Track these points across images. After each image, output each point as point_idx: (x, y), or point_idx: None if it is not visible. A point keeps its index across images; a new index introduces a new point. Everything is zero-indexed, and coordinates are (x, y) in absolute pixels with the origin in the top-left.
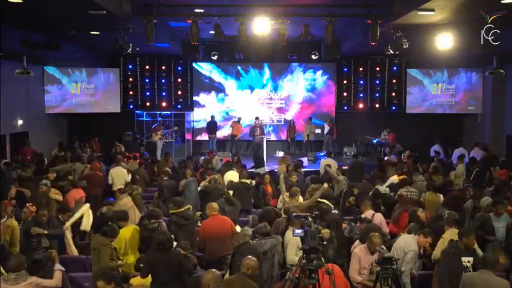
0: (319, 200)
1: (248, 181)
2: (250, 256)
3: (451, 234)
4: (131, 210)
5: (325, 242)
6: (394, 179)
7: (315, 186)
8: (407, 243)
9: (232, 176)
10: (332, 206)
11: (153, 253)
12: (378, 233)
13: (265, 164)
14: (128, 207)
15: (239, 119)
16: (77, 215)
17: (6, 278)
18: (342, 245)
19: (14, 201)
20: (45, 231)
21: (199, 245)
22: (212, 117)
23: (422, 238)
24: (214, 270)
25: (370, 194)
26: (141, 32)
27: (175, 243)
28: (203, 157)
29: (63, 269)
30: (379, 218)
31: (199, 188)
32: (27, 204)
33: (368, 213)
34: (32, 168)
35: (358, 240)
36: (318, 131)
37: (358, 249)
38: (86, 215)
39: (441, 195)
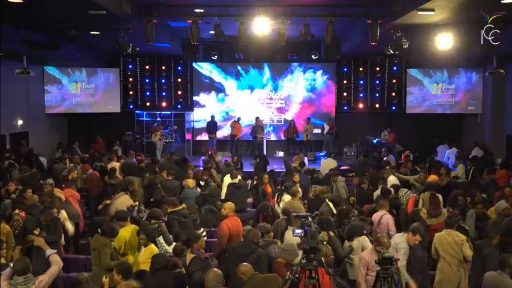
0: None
1: (237, 180)
2: (245, 264)
3: (445, 233)
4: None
5: (325, 242)
6: (392, 179)
7: (322, 189)
8: (397, 242)
9: (229, 179)
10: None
11: (151, 275)
12: (363, 230)
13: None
14: (124, 206)
15: (238, 118)
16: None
17: (15, 283)
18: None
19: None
20: (41, 240)
21: (222, 243)
22: (212, 117)
23: (411, 236)
24: (216, 269)
25: (380, 192)
26: (141, 32)
27: (174, 244)
28: (203, 157)
29: (55, 250)
30: (386, 219)
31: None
32: (15, 211)
33: (378, 214)
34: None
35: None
36: (318, 131)
37: (366, 253)
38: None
39: (440, 196)
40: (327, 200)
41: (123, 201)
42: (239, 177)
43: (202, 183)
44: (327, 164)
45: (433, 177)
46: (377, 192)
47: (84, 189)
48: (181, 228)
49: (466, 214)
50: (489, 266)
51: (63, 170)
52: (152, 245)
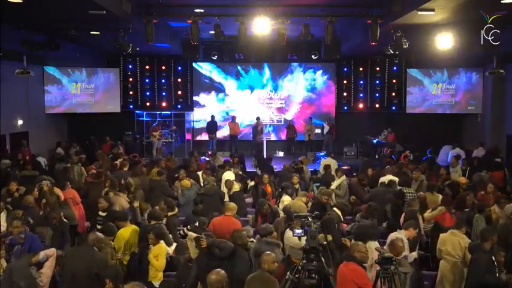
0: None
1: (238, 187)
2: (268, 252)
3: (450, 234)
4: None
5: (325, 242)
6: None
7: (322, 190)
8: (405, 241)
9: (229, 176)
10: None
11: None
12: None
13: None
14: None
15: (233, 117)
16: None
17: None
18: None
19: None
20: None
21: None
22: (212, 117)
23: (412, 230)
24: (219, 270)
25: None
26: (141, 32)
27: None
28: (203, 158)
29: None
30: None
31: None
32: None
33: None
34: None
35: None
36: (318, 131)
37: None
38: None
39: (440, 195)
40: (335, 209)
41: (115, 200)
42: (235, 184)
43: (201, 175)
44: (327, 164)
45: (463, 179)
46: None
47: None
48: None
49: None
50: (476, 270)
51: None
52: (161, 243)
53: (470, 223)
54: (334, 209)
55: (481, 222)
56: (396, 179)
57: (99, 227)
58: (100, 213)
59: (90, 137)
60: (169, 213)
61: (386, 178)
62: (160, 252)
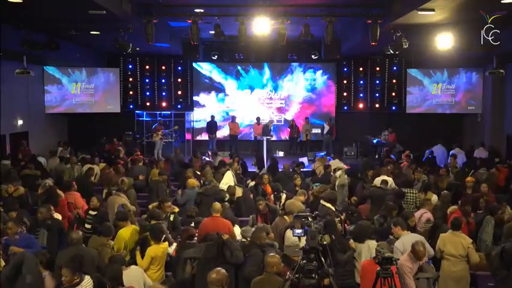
0: (323, 203)
1: (240, 192)
2: (272, 254)
3: (450, 234)
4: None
5: (325, 242)
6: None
7: (320, 188)
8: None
9: (229, 177)
10: (334, 209)
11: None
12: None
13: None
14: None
15: (233, 117)
16: None
17: None
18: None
19: None
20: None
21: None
22: (212, 117)
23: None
24: (219, 269)
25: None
26: (141, 32)
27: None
28: (204, 157)
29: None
30: (426, 217)
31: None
32: None
33: (420, 212)
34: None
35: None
36: (317, 130)
37: (405, 259)
38: None
39: (434, 195)
40: (321, 202)
41: (114, 200)
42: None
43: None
44: (333, 165)
45: (469, 179)
46: None
47: None
48: None
49: (483, 220)
50: None
51: (64, 170)
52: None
53: (480, 224)
54: (322, 202)
55: (489, 224)
56: (390, 179)
57: (88, 226)
58: (90, 211)
59: (102, 137)
60: (177, 210)
61: (380, 179)
62: (147, 253)
